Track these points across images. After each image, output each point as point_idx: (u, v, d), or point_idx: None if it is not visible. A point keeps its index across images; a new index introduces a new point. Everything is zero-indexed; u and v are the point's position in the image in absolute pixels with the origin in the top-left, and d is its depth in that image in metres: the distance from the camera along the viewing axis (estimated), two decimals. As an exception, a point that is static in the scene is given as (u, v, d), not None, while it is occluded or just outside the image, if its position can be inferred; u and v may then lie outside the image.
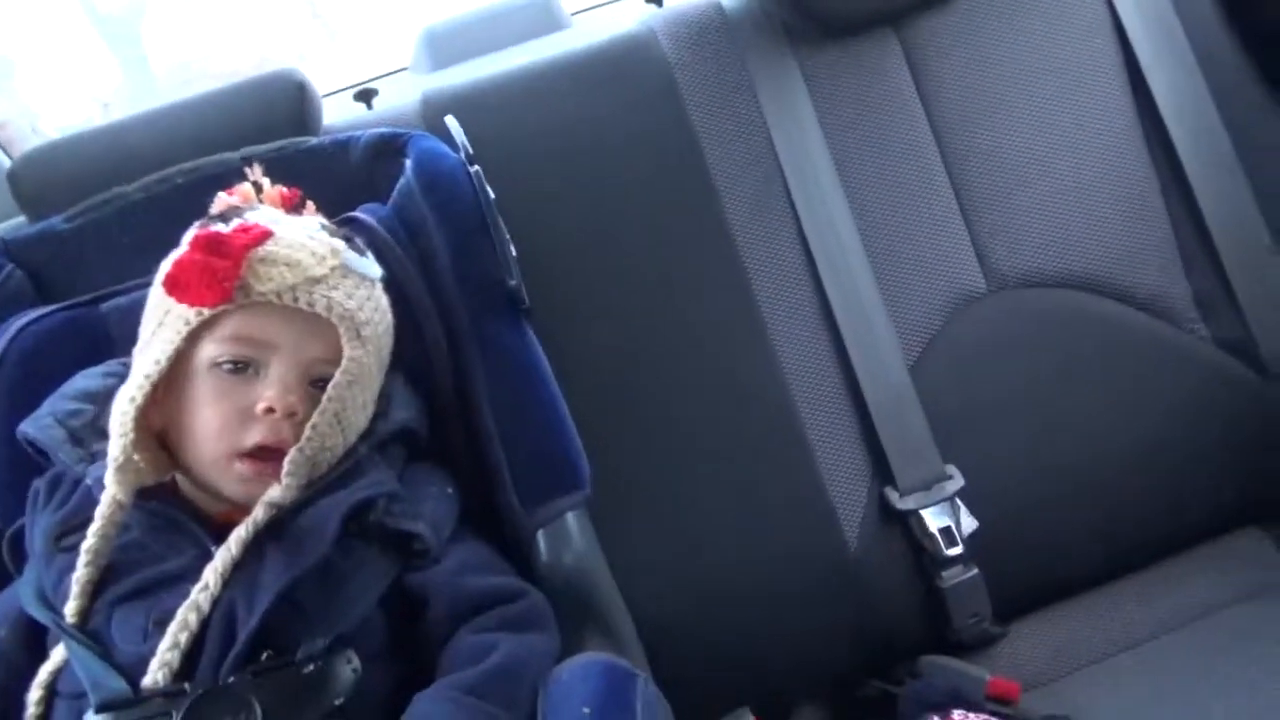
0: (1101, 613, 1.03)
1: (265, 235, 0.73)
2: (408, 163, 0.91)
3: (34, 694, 0.71)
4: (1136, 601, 1.03)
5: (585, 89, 1.10)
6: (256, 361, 0.73)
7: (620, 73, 1.09)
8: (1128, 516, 1.05)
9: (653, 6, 1.22)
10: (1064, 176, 1.08)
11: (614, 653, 0.75)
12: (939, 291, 1.07)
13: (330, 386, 0.74)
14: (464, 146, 0.92)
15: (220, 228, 0.74)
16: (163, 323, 0.74)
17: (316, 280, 0.74)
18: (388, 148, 0.94)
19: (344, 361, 0.74)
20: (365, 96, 1.24)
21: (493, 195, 0.89)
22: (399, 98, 1.15)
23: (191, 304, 0.72)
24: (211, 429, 0.73)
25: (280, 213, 0.80)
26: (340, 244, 0.77)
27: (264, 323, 0.73)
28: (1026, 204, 1.08)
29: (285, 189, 0.84)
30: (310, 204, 0.84)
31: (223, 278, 0.71)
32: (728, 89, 1.08)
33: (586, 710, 0.65)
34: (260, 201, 0.82)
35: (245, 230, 0.74)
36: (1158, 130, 1.08)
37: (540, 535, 0.81)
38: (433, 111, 1.06)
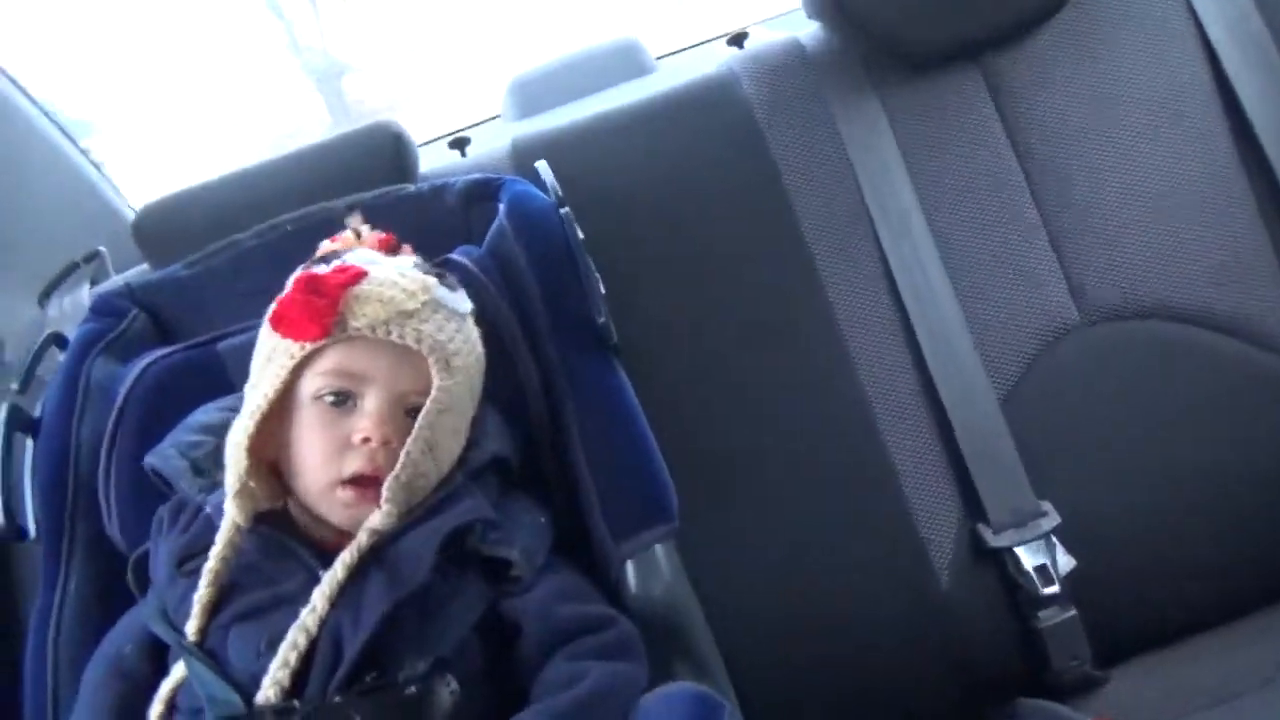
0: (1208, 659, 0.99)
1: (360, 275, 0.78)
2: (501, 206, 0.95)
3: (155, 708, 0.75)
4: (1246, 647, 0.99)
5: (669, 131, 1.12)
6: (354, 394, 0.77)
7: (703, 115, 1.12)
8: (1233, 557, 1.01)
9: (734, 49, 1.24)
10: (1157, 204, 1.06)
11: (701, 683, 0.76)
12: (1030, 324, 1.05)
13: (421, 414, 0.77)
14: (554, 189, 0.95)
15: (320, 269, 0.79)
16: (270, 358, 0.79)
17: (408, 314, 0.77)
18: (482, 192, 0.98)
19: (434, 391, 0.77)
20: (459, 144, 1.29)
21: (582, 235, 0.91)
22: (491, 144, 1.19)
23: (295, 339, 0.77)
24: (315, 458, 0.76)
25: (377, 254, 0.84)
26: (431, 280, 0.80)
27: (360, 356, 0.77)
28: (1119, 234, 1.06)
29: (382, 234, 0.88)
30: (406, 247, 0.89)
31: (322, 314, 0.76)
32: (810, 127, 1.09)
33: None
34: (360, 245, 0.86)
35: (342, 270, 0.78)
36: (1254, 153, 1.06)
37: (629, 565, 0.82)
38: (523, 156, 1.10)
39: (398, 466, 0.75)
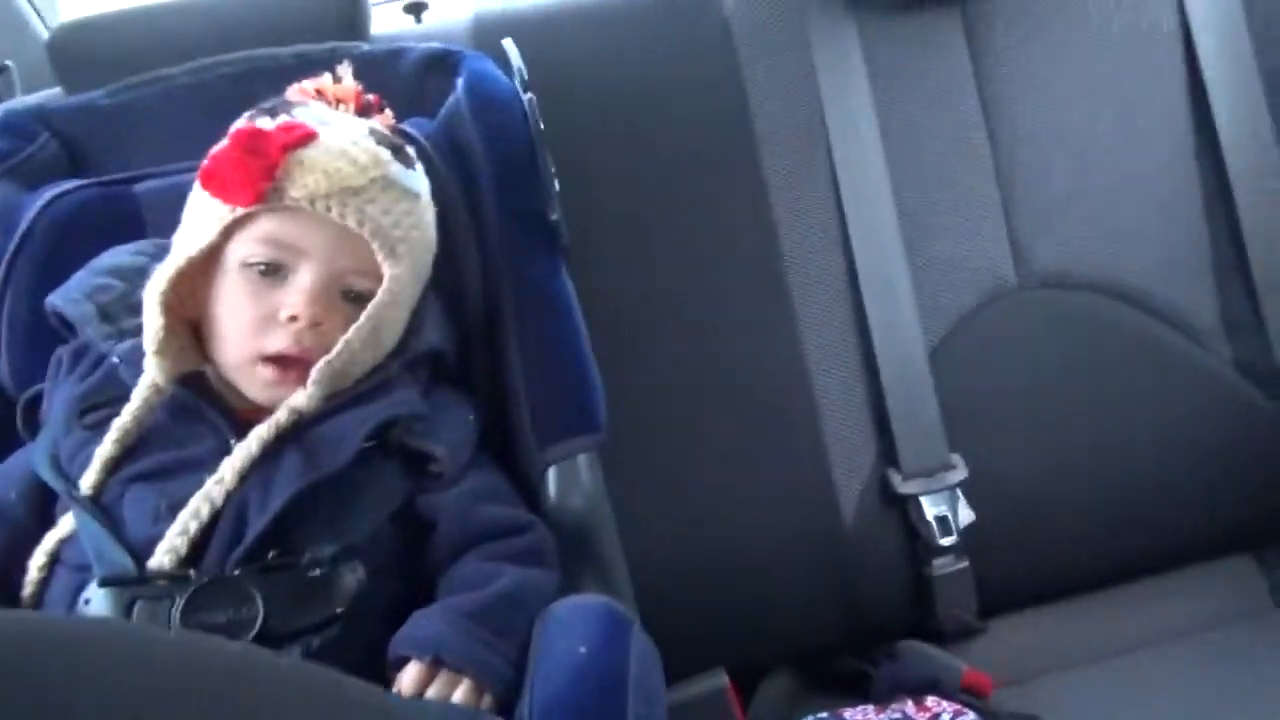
0: (1082, 619, 1.04)
1: (307, 136, 0.71)
2: (459, 82, 0.89)
3: (37, 559, 0.71)
4: (1119, 613, 1.05)
5: (640, 29, 1.08)
6: (286, 266, 0.72)
7: (678, 17, 1.07)
8: (1123, 528, 1.06)
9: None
10: (1111, 181, 1.07)
11: (609, 598, 0.75)
12: (970, 280, 1.06)
13: (371, 305, 0.72)
14: (520, 72, 0.90)
15: (265, 123, 0.73)
16: (199, 213, 0.73)
17: (354, 191, 0.71)
18: (441, 64, 0.92)
19: (385, 280, 0.73)
20: (415, 9, 1.22)
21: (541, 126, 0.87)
22: (450, 14, 1.13)
23: (225, 200, 0.71)
24: (237, 329, 0.72)
25: (332, 112, 0.77)
26: (385, 154, 0.74)
27: (296, 228, 0.71)
28: (1068, 203, 1.07)
29: (361, 90, 0.81)
30: (388, 112, 0.82)
31: (257, 178, 0.70)
32: (783, 46, 1.06)
33: (582, 649, 0.65)
34: (321, 99, 0.79)
35: (288, 129, 0.72)
36: (1211, 144, 1.07)
37: (551, 474, 0.81)
38: (483, 32, 1.04)
39: (333, 353, 0.70)
